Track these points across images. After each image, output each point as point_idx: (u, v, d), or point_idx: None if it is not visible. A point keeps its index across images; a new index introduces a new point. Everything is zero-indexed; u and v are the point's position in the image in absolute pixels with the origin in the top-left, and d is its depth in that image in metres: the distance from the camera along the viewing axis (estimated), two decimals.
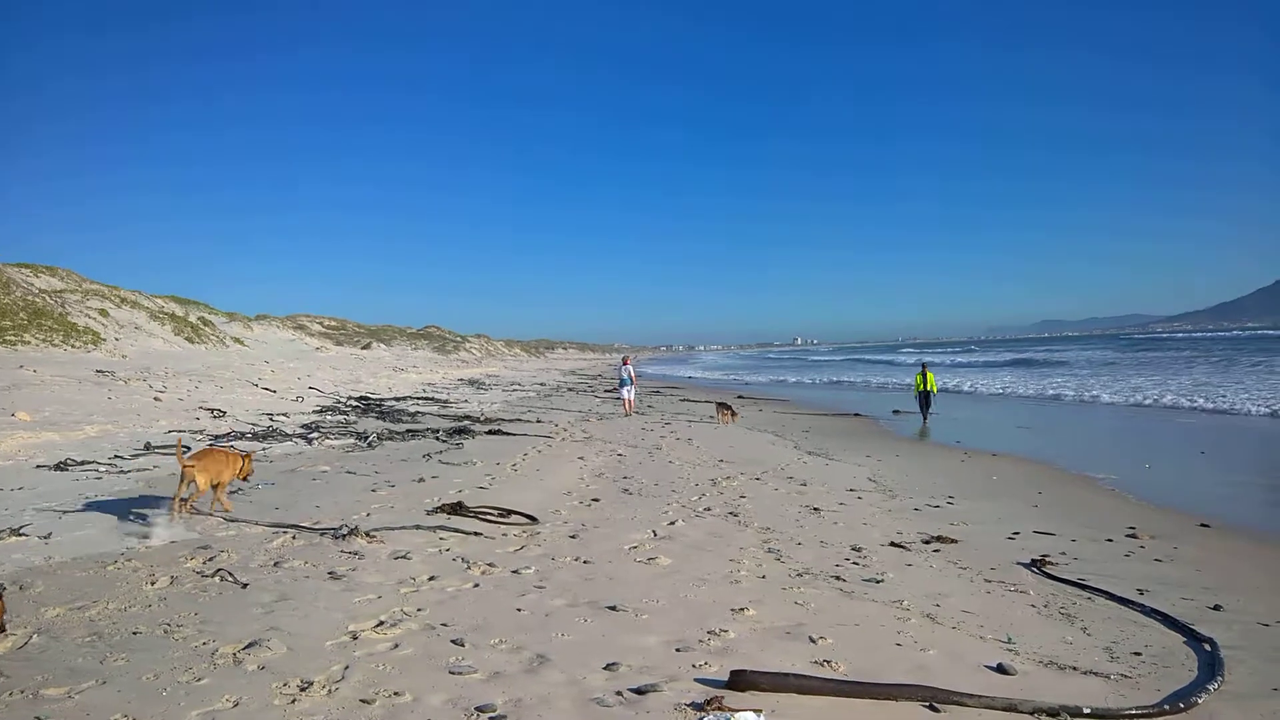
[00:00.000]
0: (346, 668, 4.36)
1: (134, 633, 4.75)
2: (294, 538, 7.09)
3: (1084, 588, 6.36)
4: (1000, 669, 4.63)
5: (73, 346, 24.77)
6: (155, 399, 17.22)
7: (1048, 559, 7.21)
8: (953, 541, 7.85)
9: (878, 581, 6.41)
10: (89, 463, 10.09)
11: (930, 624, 5.42)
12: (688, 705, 3.97)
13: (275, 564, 6.29)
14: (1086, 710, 4.03)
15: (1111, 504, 9.98)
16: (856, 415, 23.36)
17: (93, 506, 8.02)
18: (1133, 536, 8.13)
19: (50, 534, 6.89)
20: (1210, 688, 4.36)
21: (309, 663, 4.41)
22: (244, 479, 8.28)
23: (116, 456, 10.73)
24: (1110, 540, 8.03)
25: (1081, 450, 14.69)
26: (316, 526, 7.45)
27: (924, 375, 22.09)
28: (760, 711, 3.86)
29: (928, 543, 7.83)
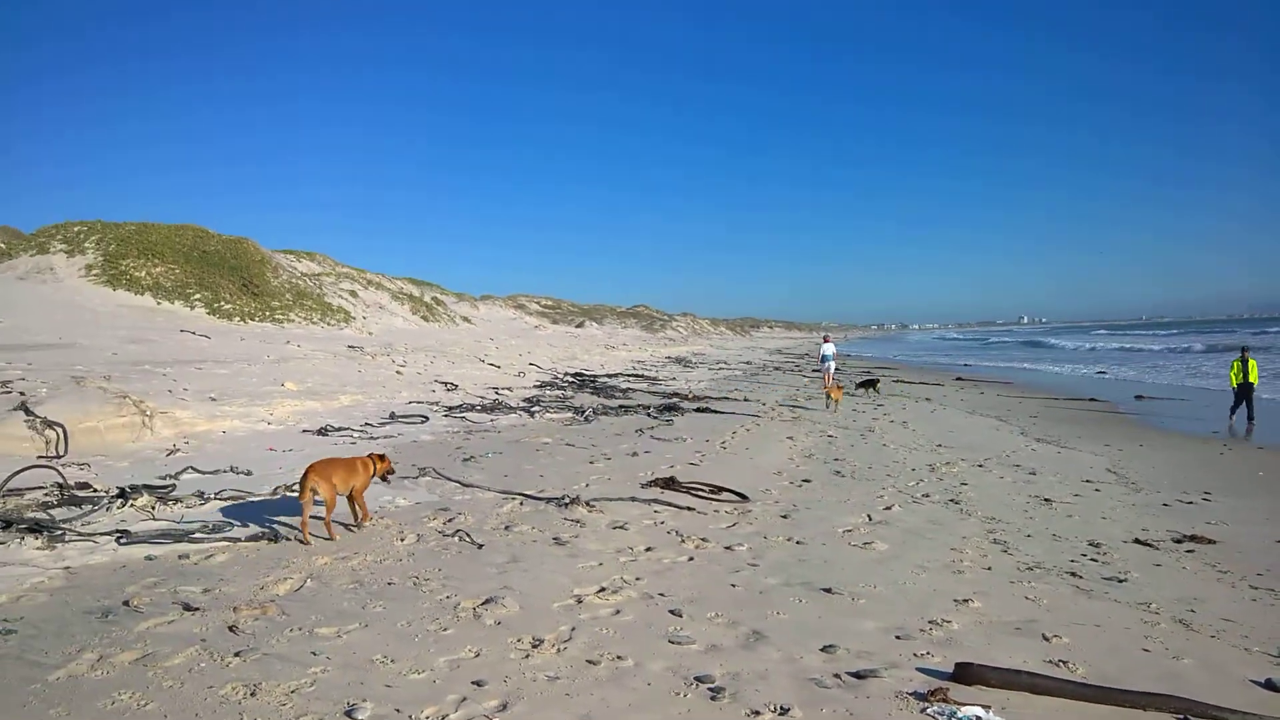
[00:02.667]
0: (573, 629, 4.65)
1: (389, 583, 5.33)
2: (521, 504, 7.62)
3: None
4: (1269, 685, 4.14)
5: (328, 324, 27.96)
6: (397, 373, 19.05)
7: None
8: (1210, 542, 7.05)
9: (1120, 581, 5.89)
10: (344, 429, 11.38)
11: (1184, 630, 4.92)
12: (909, 694, 3.88)
13: (506, 528, 6.81)
14: None
15: None
16: (1093, 400, 21.38)
17: None
18: None
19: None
20: None
21: (539, 621, 4.74)
22: (384, 479, 7.18)
23: (366, 424, 12.02)
24: None
25: None
26: (541, 495, 7.96)
27: (1243, 362, 17.39)
28: (989, 708, 3.70)
29: (1179, 542, 7.09)
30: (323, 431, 11.14)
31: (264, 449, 9.81)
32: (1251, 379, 17.07)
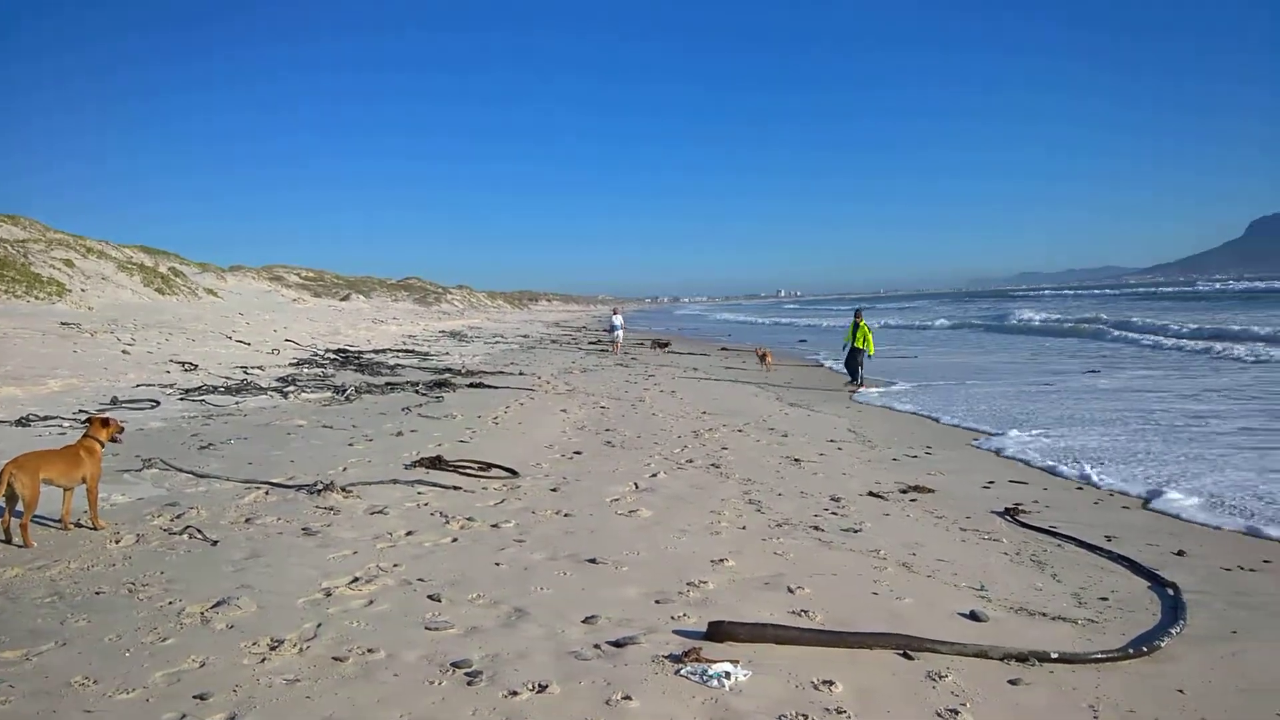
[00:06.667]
0: (319, 625, 4.31)
1: (96, 592, 4.66)
2: (267, 493, 7.00)
3: (1054, 535, 6.42)
4: (973, 616, 4.67)
5: (36, 298, 24.24)
6: (123, 352, 16.92)
7: (1020, 507, 7.25)
8: (929, 491, 7.89)
9: (855, 531, 6.43)
10: (52, 418, 9.87)
11: (906, 573, 5.44)
12: (665, 657, 3.96)
13: (247, 520, 6.21)
14: (1054, 655, 4.06)
15: None
16: (819, 365, 23.76)
17: None
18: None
19: None
20: (1173, 632, 4.41)
21: (280, 621, 4.35)
22: (115, 440, 6.19)
23: (81, 411, 10.51)
24: (1080, 488, 8.11)
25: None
26: (291, 482, 7.35)
27: (855, 326, 18.08)
28: (738, 662, 3.85)
29: (905, 492, 7.86)
30: (23, 422, 9.59)
31: None
32: (863, 343, 17.76)
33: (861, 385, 17.46)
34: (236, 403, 12.40)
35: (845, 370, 18.57)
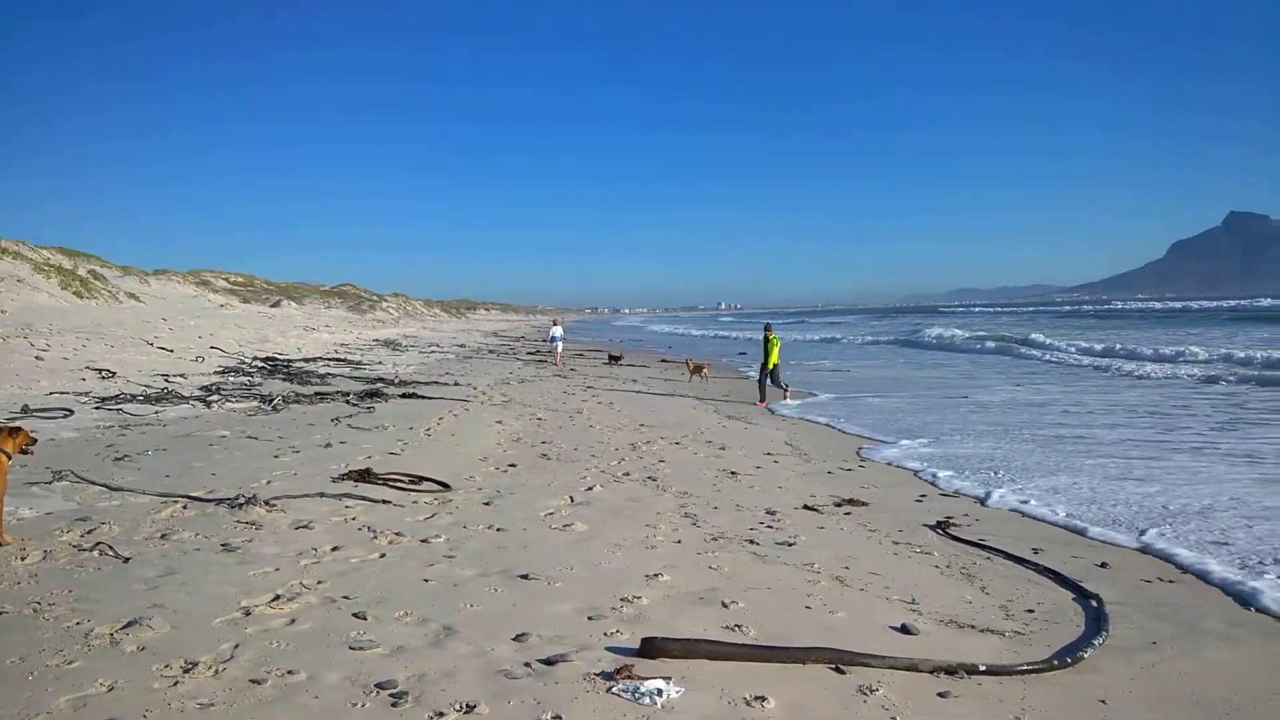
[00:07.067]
0: (236, 646, 4.12)
1: None
2: (185, 508, 6.70)
3: (983, 548, 6.55)
4: (904, 629, 4.71)
5: None
6: (37, 358, 16.13)
7: (951, 520, 7.39)
8: (863, 504, 7.98)
9: (790, 545, 6.46)
10: None
11: (839, 586, 5.48)
12: (597, 675, 3.89)
13: (163, 536, 5.93)
14: (982, 667, 4.13)
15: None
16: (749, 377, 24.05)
17: None
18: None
19: None
20: (1096, 643, 4.52)
21: (195, 642, 4.14)
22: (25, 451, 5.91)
23: None
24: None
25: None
26: (210, 496, 7.06)
27: (767, 341, 17.88)
28: (670, 679, 3.81)
29: (839, 505, 7.94)
30: None
31: None
32: (770, 359, 17.59)
33: (788, 391, 17.68)
34: (156, 412, 11.92)
35: (760, 387, 17.93)
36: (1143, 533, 6.94)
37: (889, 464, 10.33)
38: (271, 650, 4.10)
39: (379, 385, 17.24)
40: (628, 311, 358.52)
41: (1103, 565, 6.13)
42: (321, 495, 7.26)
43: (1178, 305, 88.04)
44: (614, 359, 27.25)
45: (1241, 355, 23.53)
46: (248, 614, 4.57)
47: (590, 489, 8.19)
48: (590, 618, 4.69)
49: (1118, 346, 29.53)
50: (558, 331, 28.65)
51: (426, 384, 18.30)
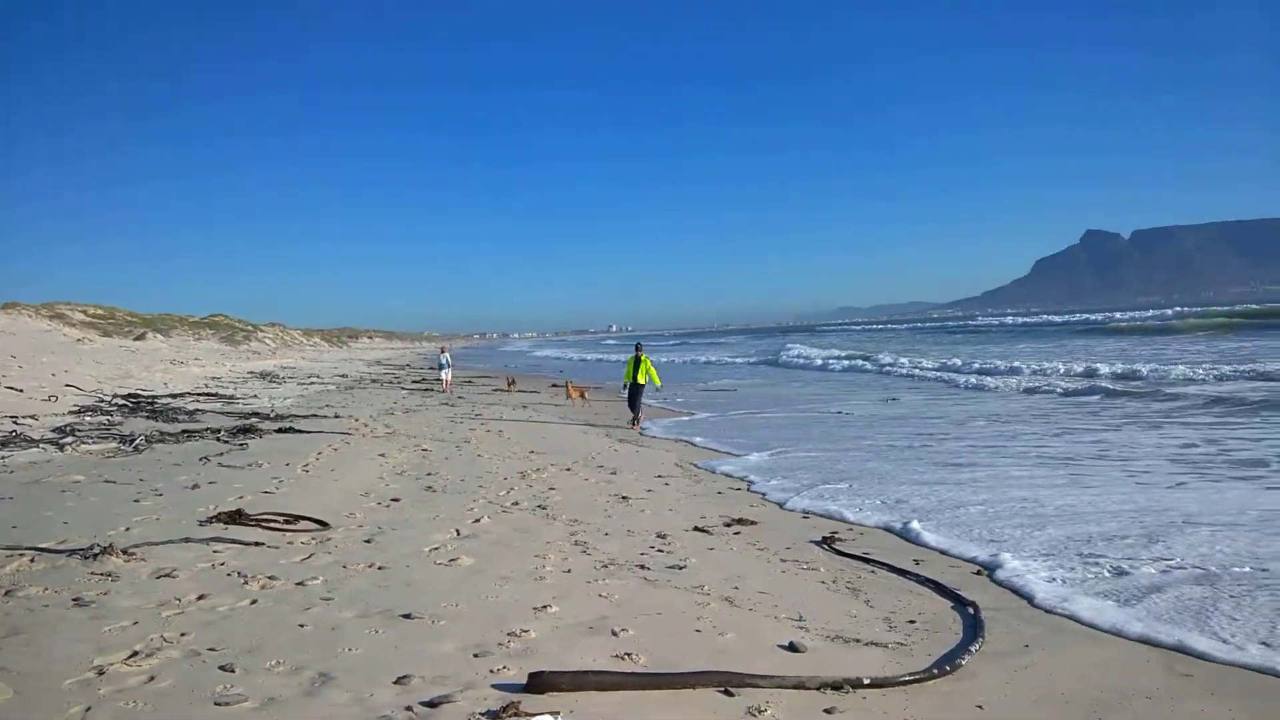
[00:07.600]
0: (88, 709, 3.78)
1: None
2: (32, 561, 6.14)
3: (867, 561, 6.77)
4: (792, 647, 4.79)
5: None
6: None
7: (836, 535, 7.61)
8: (752, 523, 8.12)
9: (680, 568, 6.48)
10: None
11: (729, 607, 5.53)
12: (482, 715, 3.77)
13: (6, 594, 5.40)
14: (866, 681, 4.24)
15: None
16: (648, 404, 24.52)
17: None
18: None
19: None
20: (973, 649, 4.73)
21: (43, 706, 3.78)
22: None
23: None
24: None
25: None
26: (61, 547, 6.49)
27: (637, 361, 17.71)
28: (558, 714, 3.73)
29: (729, 525, 8.05)
30: None
31: None
32: (640, 379, 17.57)
33: (639, 421, 17.58)
34: (2, 458, 10.93)
35: (630, 408, 17.97)
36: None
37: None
38: (127, 711, 3.78)
39: (253, 420, 16.39)
40: (516, 336, 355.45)
41: (979, 572, 6.43)
42: (186, 540, 6.80)
43: (1035, 320, 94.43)
44: (510, 383, 28.91)
45: (1078, 370, 25.41)
46: (101, 673, 4.20)
47: (478, 520, 8.01)
48: (476, 655, 4.56)
49: (958, 362, 31.87)
50: (446, 359, 29.22)
51: (305, 417, 17.54)
